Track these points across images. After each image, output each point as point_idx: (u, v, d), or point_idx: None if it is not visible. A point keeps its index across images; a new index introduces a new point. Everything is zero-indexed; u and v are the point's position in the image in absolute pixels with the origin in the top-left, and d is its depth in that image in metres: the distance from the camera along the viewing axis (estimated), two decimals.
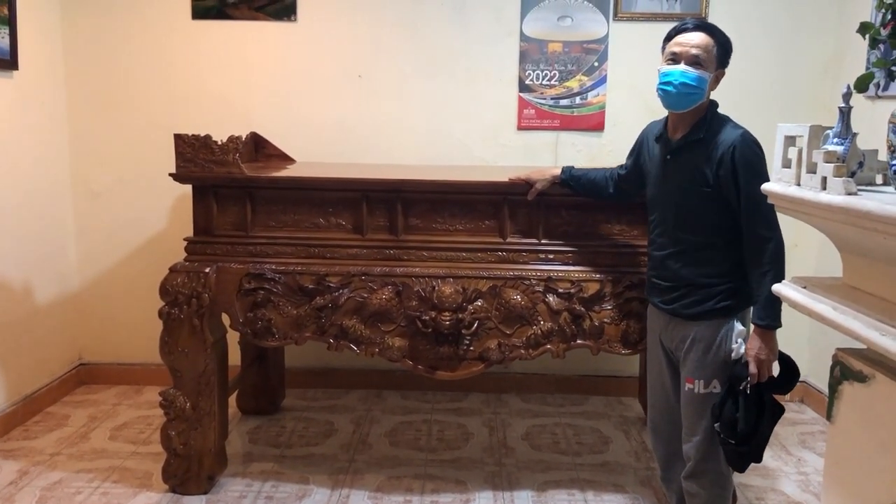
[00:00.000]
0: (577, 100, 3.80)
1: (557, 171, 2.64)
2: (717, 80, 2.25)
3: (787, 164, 1.76)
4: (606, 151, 3.80)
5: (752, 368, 2.16)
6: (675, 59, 2.20)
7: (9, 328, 3.41)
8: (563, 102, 3.80)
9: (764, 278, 2.10)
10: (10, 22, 3.32)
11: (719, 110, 2.30)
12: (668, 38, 2.26)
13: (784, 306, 2.06)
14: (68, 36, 3.78)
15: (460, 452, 3.26)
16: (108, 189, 3.87)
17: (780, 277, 2.09)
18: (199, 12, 3.76)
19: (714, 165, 2.16)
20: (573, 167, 2.66)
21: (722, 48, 2.22)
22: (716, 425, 2.20)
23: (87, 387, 3.95)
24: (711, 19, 3.65)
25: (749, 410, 2.15)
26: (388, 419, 3.60)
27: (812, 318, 1.69)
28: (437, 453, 3.25)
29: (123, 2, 3.76)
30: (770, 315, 2.13)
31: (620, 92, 3.78)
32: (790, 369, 2.27)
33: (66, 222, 3.87)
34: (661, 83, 2.22)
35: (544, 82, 3.79)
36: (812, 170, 1.66)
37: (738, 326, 2.23)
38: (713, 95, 2.30)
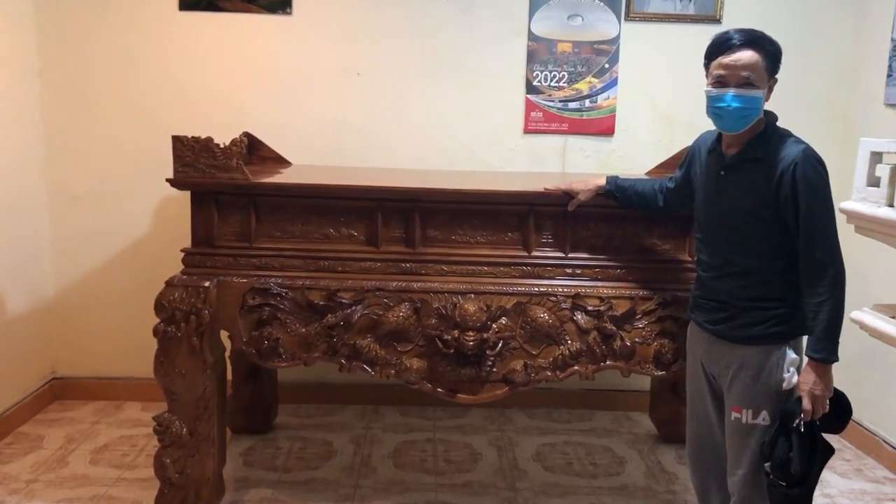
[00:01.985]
0: (587, 103, 3.64)
1: (601, 181, 2.46)
2: (770, 90, 2.08)
3: (873, 182, 1.63)
4: (616, 157, 3.65)
5: (807, 404, 1.99)
6: (722, 81, 2.01)
7: None
8: (572, 105, 3.64)
9: (821, 308, 1.94)
10: None
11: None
12: (711, 54, 2.06)
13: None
14: (43, 25, 3.50)
15: (470, 476, 3.08)
16: (87, 192, 3.60)
17: (838, 308, 1.94)
18: (188, 3, 3.52)
19: (773, 184, 1.98)
20: (618, 177, 2.48)
21: (772, 59, 2.03)
22: (766, 465, 2.03)
23: (62, 402, 3.68)
24: (725, 20, 3.56)
25: (803, 450, 1.98)
26: (390, 438, 3.41)
27: None
28: (446, 476, 3.06)
29: None
30: (827, 348, 1.96)
31: (631, 95, 3.63)
32: (842, 406, 2.09)
33: (41, 227, 3.58)
34: (712, 107, 2.04)
35: (553, 84, 3.62)
36: None
37: (791, 354, 2.06)
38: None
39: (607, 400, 3.80)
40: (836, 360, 1.97)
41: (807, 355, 2.01)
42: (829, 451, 2.06)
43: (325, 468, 3.10)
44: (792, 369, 2.04)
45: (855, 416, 3.41)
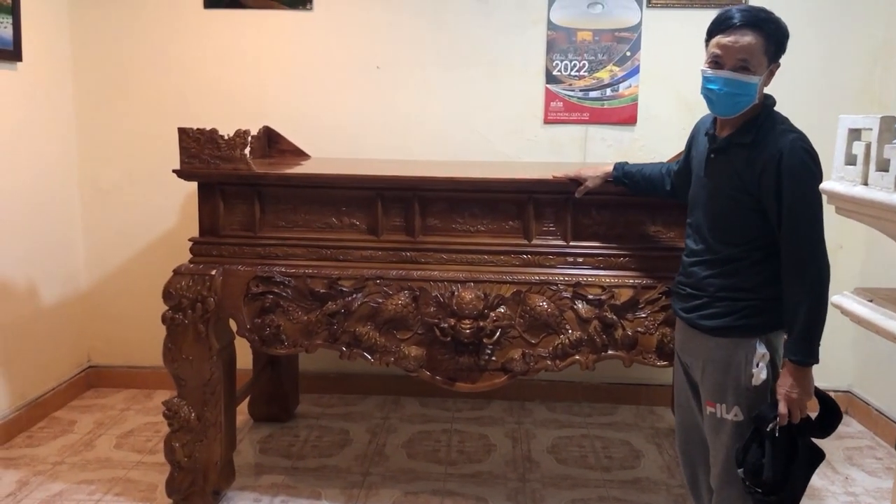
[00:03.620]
0: (608, 91, 3.58)
1: (609, 168, 2.41)
2: (771, 75, 1.96)
3: (851, 160, 1.56)
4: (638, 146, 3.58)
5: (782, 408, 1.88)
6: (718, 61, 1.91)
7: (14, 329, 3.28)
8: (593, 94, 3.58)
9: (799, 308, 1.84)
10: (14, 11, 3.18)
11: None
12: (711, 32, 1.95)
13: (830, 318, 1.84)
14: (76, 26, 3.64)
15: (481, 466, 3.07)
16: (117, 185, 3.73)
17: (818, 309, 1.84)
18: (212, 1, 3.60)
19: (757, 172, 1.88)
20: (626, 163, 2.42)
21: (775, 43, 1.91)
22: (739, 471, 1.93)
23: (96, 390, 3.82)
24: (752, 2, 3.44)
25: (777, 456, 1.88)
26: (406, 428, 3.42)
27: (883, 336, 1.48)
28: (456, 466, 3.06)
29: None
30: (804, 350, 1.85)
31: (654, 83, 3.55)
32: (830, 410, 1.98)
33: (74, 220, 3.73)
34: (704, 87, 1.95)
35: (573, 73, 3.58)
36: (884, 167, 1.45)
37: (760, 349, 1.93)
38: None
39: (631, 394, 3.74)
40: (816, 362, 1.87)
41: (785, 357, 1.91)
42: (819, 456, 1.96)
43: (338, 456, 3.14)
44: (761, 364, 1.93)
45: (890, 412, 3.30)
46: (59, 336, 3.62)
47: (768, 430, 1.89)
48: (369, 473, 2.99)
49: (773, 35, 1.90)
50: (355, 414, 3.58)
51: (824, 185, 1.62)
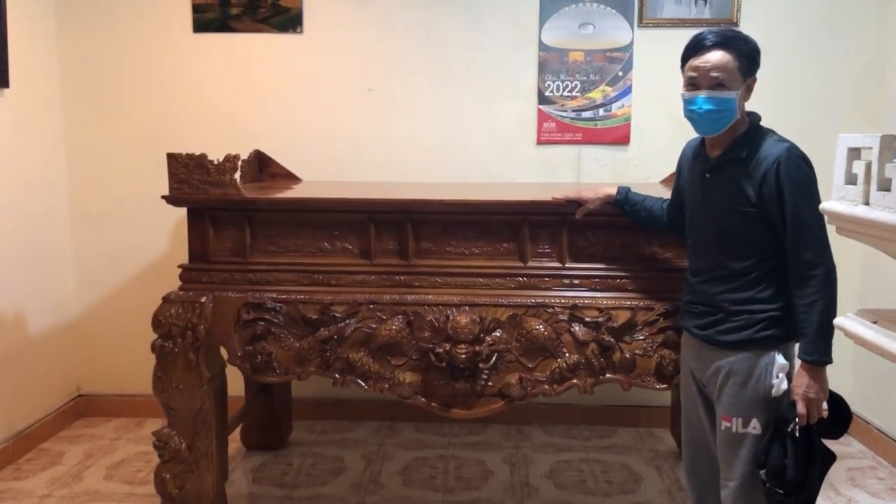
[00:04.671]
0: (601, 111, 3.57)
1: (612, 190, 2.39)
2: (749, 90, 2.03)
3: (851, 179, 1.53)
4: (632, 166, 3.57)
5: (801, 409, 1.91)
6: (694, 84, 1.99)
7: (1, 359, 3.22)
8: (586, 114, 3.57)
9: (812, 308, 1.88)
10: (0, 37, 3.14)
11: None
12: (685, 57, 2.04)
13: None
14: (64, 51, 3.61)
15: (479, 493, 3.01)
16: (107, 212, 3.69)
17: (830, 308, 1.89)
18: (201, 25, 3.58)
19: (757, 183, 1.93)
20: (629, 188, 2.41)
21: (746, 59, 1.98)
22: (761, 473, 1.94)
23: (86, 419, 3.75)
24: (743, 22, 3.45)
25: (799, 456, 1.90)
26: (402, 455, 3.36)
27: (888, 359, 1.44)
28: (454, 494, 3.01)
29: (123, 16, 3.60)
30: (819, 349, 1.89)
31: (647, 103, 3.54)
32: (841, 410, 2.01)
33: (63, 247, 3.68)
34: (686, 110, 2.03)
35: (565, 93, 3.56)
36: (885, 186, 1.43)
37: (780, 360, 1.97)
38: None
39: (629, 416, 3.69)
40: (830, 361, 1.90)
41: (799, 358, 1.94)
42: (831, 457, 1.98)
43: (332, 484, 3.08)
44: (781, 375, 1.96)
45: (892, 432, 3.26)
46: (49, 365, 3.56)
47: (789, 430, 1.91)
48: (364, 502, 2.93)
49: (742, 51, 1.98)
50: (350, 441, 3.52)
51: (825, 205, 1.60)
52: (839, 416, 2.00)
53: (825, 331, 1.87)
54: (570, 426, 3.68)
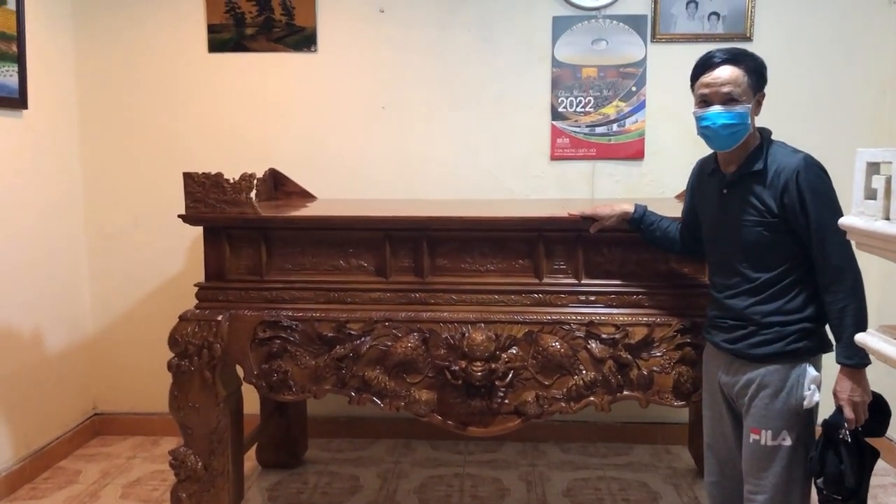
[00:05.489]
0: (615, 127, 3.56)
1: (628, 207, 2.38)
2: (759, 105, 2.05)
3: (871, 195, 1.52)
4: (647, 181, 3.56)
5: (848, 413, 1.93)
6: (706, 100, 2.02)
7: (19, 378, 3.24)
8: (599, 130, 3.57)
9: (845, 313, 1.91)
10: (20, 59, 3.19)
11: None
12: (694, 76, 2.07)
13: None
14: (81, 72, 3.66)
15: None
16: (123, 230, 3.72)
17: (861, 311, 1.91)
18: (216, 45, 3.62)
19: (778, 194, 1.95)
20: (646, 207, 2.40)
21: (755, 74, 2.01)
22: (818, 482, 1.96)
23: (102, 438, 3.76)
24: (756, 38, 3.45)
25: (853, 460, 1.92)
26: (418, 473, 3.35)
27: None
28: None
29: (138, 37, 3.64)
30: (859, 352, 1.88)
31: (660, 118, 3.54)
32: (880, 407, 2.02)
33: (80, 265, 3.71)
34: (700, 128, 2.05)
35: (578, 109, 3.56)
36: None
37: (812, 372, 1.99)
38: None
39: (646, 433, 3.66)
40: (869, 363, 1.90)
41: (838, 363, 1.94)
42: (875, 454, 1.99)
43: (348, 503, 3.06)
44: (813, 387, 1.98)
45: None
46: (65, 383, 3.57)
47: (840, 437, 1.92)
48: None
49: (751, 66, 2.01)
50: (365, 459, 3.51)
51: (844, 221, 1.58)
52: (879, 412, 2.01)
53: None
54: (588, 444, 3.65)
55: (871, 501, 2.98)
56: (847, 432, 1.93)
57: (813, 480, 2.00)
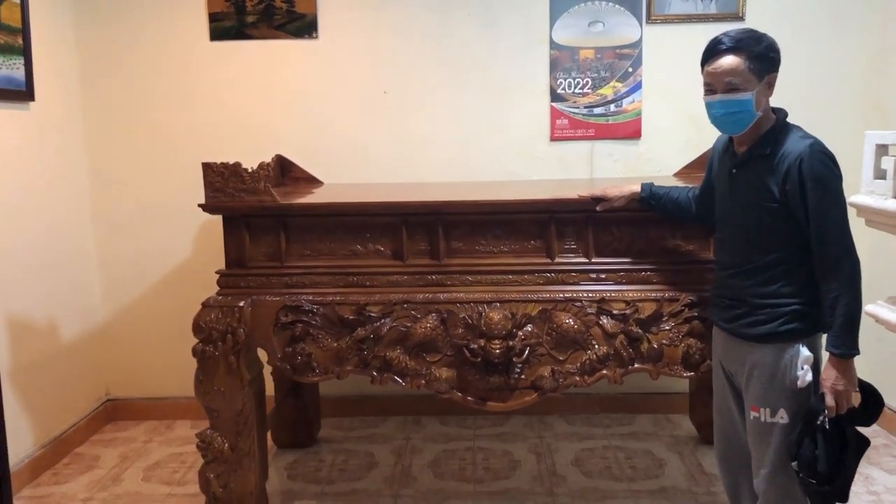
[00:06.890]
0: (612, 107, 3.65)
1: (636, 188, 2.47)
2: (769, 86, 2.07)
3: (880, 174, 1.63)
4: (645, 160, 3.65)
5: (829, 401, 1.97)
6: (710, 88, 2.07)
7: (35, 368, 3.29)
8: (598, 111, 3.66)
9: (837, 302, 1.93)
10: (25, 52, 3.20)
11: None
12: (702, 63, 2.12)
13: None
14: (84, 63, 3.68)
15: (508, 483, 3.11)
16: (131, 219, 3.76)
17: (855, 302, 1.93)
18: (218, 33, 3.65)
19: (780, 180, 1.99)
20: (653, 184, 2.48)
21: (759, 59, 2.02)
22: (793, 464, 2.02)
23: (116, 423, 3.82)
24: (748, 17, 3.54)
25: (830, 447, 1.97)
26: (430, 448, 3.46)
27: None
28: (484, 484, 3.10)
29: (140, 27, 3.66)
30: (846, 342, 1.94)
31: (657, 97, 3.63)
32: (872, 397, 2.08)
33: (89, 254, 3.75)
34: (708, 113, 2.11)
35: (577, 91, 3.65)
36: None
37: (805, 352, 2.03)
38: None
39: (647, 403, 3.79)
40: (857, 353, 1.95)
41: (826, 351, 1.99)
42: (864, 443, 2.05)
43: (366, 479, 3.17)
44: (806, 367, 2.01)
45: None
46: (78, 370, 3.63)
47: (818, 423, 1.97)
48: (400, 495, 3.02)
49: (754, 52, 2.02)
50: (377, 436, 3.61)
51: (854, 199, 1.69)
52: (870, 403, 2.06)
53: (851, 324, 1.92)
54: (591, 415, 3.78)
55: (864, 462, 3.14)
56: (826, 419, 1.97)
57: (789, 463, 2.03)
